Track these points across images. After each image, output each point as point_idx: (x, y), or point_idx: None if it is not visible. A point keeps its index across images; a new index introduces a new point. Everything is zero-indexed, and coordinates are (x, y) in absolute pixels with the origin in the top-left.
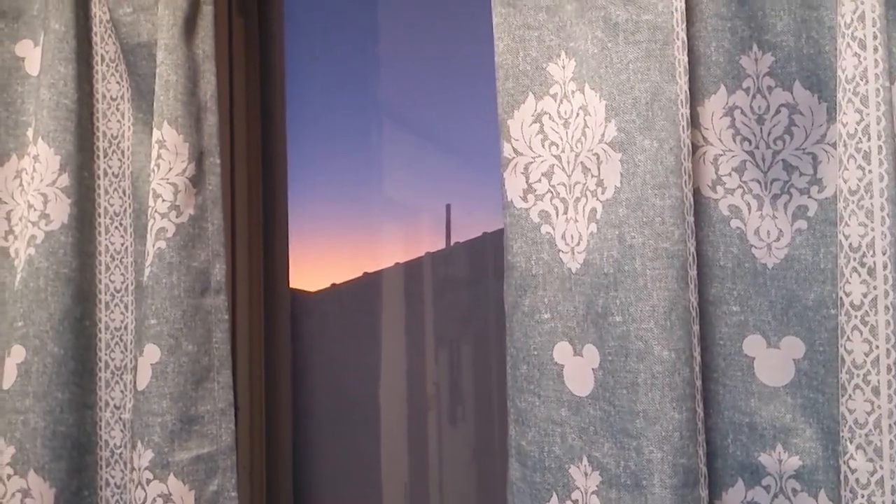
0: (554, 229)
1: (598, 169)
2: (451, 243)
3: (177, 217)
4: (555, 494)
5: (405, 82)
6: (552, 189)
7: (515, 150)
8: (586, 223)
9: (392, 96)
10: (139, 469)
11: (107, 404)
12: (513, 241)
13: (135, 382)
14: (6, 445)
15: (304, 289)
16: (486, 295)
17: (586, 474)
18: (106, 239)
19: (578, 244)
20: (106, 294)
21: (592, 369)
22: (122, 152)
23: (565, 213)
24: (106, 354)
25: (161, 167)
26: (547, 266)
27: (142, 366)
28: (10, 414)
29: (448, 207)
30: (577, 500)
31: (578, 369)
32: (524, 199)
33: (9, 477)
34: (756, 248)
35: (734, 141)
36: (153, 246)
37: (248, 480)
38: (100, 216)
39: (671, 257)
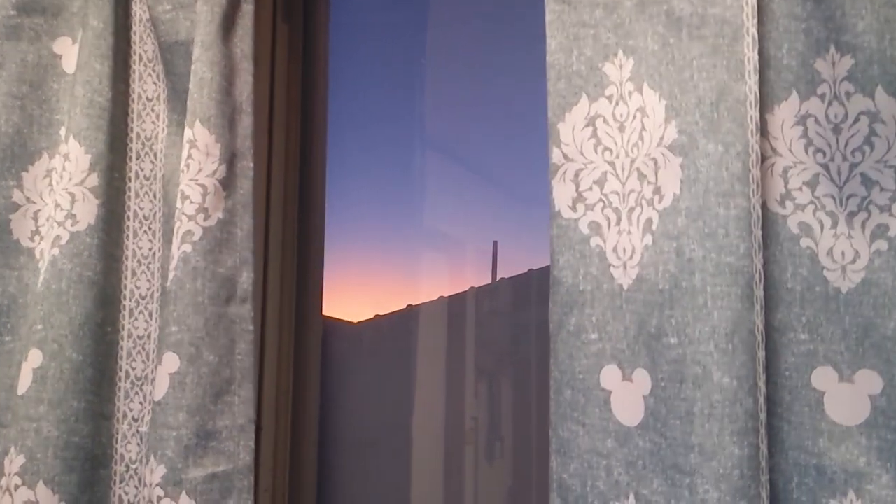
0: (605, 241)
1: (656, 175)
2: (497, 279)
3: (204, 220)
4: None
5: (454, 109)
6: (604, 198)
7: (565, 156)
8: (640, 235)
9: (439, 123)
10: (150, 485)
11: (125, 416)
12: (559, 254)
13: (152, 393)
14: (16, 454)
15: (347, 319)
16: (529, 330)
17: None
18: (133, 243)
19: (631, 258)
20: (130, 300)
21: (643, 396)
22: (155, 154)
23: (618, 223)
24: (127, 363)
25: (191, 167)
26: (596, 281)
27: (160, 375)
28: (23, 421)
29: (495, 244)
30: None
31: (627, 396)
32: (573, 208)
33: (16, 487)
34: (829, 270)
35: (806, 152)
36: (178, 249)
37: (269, 503)
38: (128, 219)
39: (735, 273)
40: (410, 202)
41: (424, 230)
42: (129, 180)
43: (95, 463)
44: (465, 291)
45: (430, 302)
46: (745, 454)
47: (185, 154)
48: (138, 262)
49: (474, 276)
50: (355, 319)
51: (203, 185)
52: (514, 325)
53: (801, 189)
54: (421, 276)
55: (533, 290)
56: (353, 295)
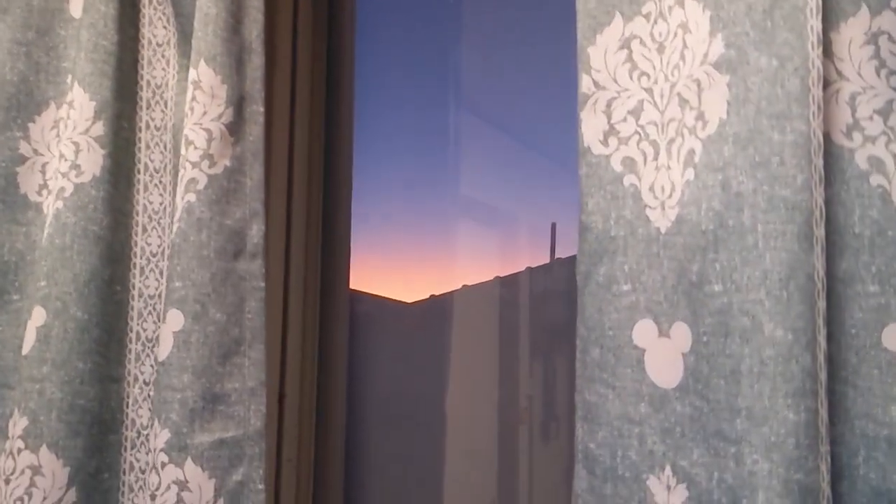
0: (640, 180)
1: (699, 98)
2: (554, 258)
3: (210, 168)
4: None
5: (506, 80)
6: (640, 130)
7: (596, 84)
8: (681, 169)
9: (490, 94)
10: (154, 450)
11: (136, 379)
12: (588, 196)
13: (156, 352)
14: (19, 416)
15: (401, 299)
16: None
17: (669, 487)
18: (144, 197)
19: (670, 196)
20: (141, 258)
21: (682, 354)
22: (166, 103)
23: (655, 158)
24: (138, 324)
25: (195, 111)
26: (629, 226)
27: (164, 334)
28: (26, 382)
29: (553, 226)
30: None
31: (664, 354)
32: (604, 142)
33: (19, 451)
34: None
35: (878, 76)
36: (182, 199)
37: (293, 473)
38: (139, 172)
39: (792, 209)
40: (445, 171)
41: (479, 208)
42: (139, 131)
43: (104, 428)
44: (521, 272)
45: (484, 282)
46: (801, 420)
47: (188, 96)
48: (149, 217)
49: (530, 257)
50: (410, 300)
51: (208, 130)
52: (570, 305)
53: (871, 118)
54: (474, 256)
55: None
56: (407, 275)
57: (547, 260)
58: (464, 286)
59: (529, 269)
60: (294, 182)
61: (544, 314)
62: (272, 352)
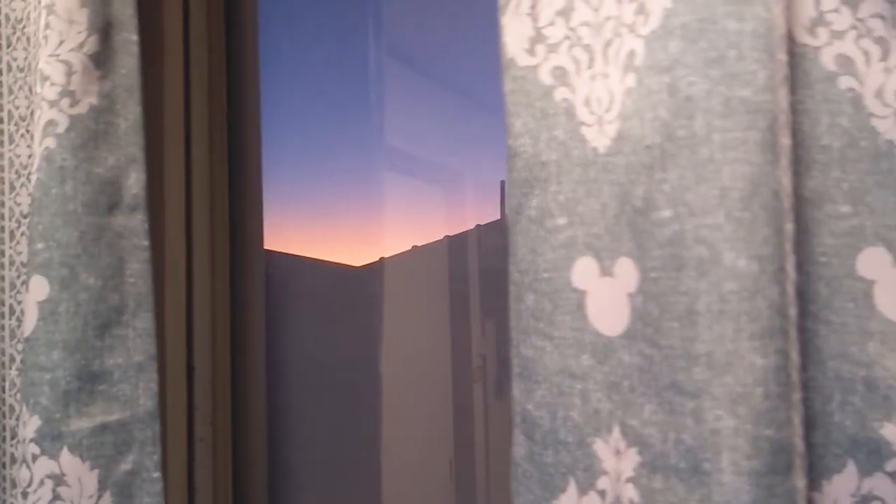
0: (574, 93)
1: None
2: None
3: (71, 107)
4: (572, 481)
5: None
6: (571, 33)
7: None
8: (621, 76)
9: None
10: (24, 441)
11: (12, 360)
12: (515, 116)
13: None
14: None
15: (349, 263)
16: None
17: (618, 452)
18: (10, 150)
19: (609, 110)
20: (10, 220)
21: (628, 294)
22: (28, 39)
23: (590, 66)
24: (11, 297)
25: (50, 40)
26: (563, 148)
27: (28, 305)
28: None
29: (503, 183)
30: (605, 491)
31: (607, 296)
32: (531, 51)
33: None
34: (878, 117)
35: None
36: (40, 145)
37: (209, 453)
38: (2, 121)
39: (754, 112)
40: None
41: (425, 166)
42: (1, 73)
43: None
44: (470, 230)
45: (434, 242)
46: (770, 365)
47: (42, 23)
48: (16, 172)
49: (478, 215)
50: (357, 263)
51: (66, 62)
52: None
53: (837, 10)
54: (425, 215)
55: None
56: (355, 238)
57: (497, 217)
58: (413, 247)
59: (479, 226)
60: (192, 123)
61: (495, 273)
62: (175, 320)
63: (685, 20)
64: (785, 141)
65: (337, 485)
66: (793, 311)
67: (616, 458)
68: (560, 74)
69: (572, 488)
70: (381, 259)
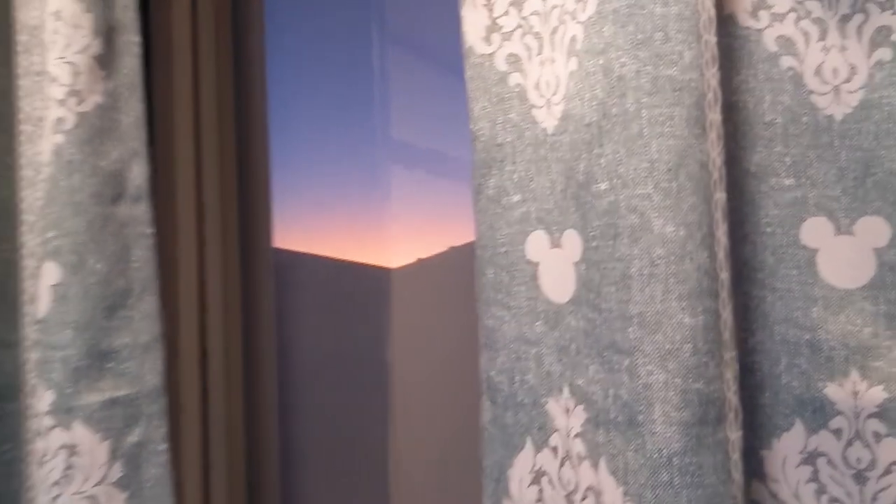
0: (526, 77)
1: None
2: None
3: (78, 105)
4: (529, 440)
5: None
6: (523, 22)
7: None
8: (565, 60)
9: None
10: (39, 414)
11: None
12: (475, 101)
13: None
14: None
15: (386, 265)
16: None
17: (568, 410)
18: (29, 149)
19: (556, 93)
20: (30, 214)
21: (573, 264)
22: (43, 44)
23: (539, 52)
24: (31, 284)
25: (57, 43)
26: (517, 130)
27: (41, 289)
28: None
29: None
30: (557, 447)
31: (557, 266)
32: (487, 40)
33: None
34: (817, 94)
35: None
36: (50, 141)
37: (223, 433)
38: (21, 122)
39: (679, 90)
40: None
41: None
42: (19, 77)
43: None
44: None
45: (468, 244)
46: (699, 323)
47: (49, 28)
48: (35, 170)
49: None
50: (394, 265)
51: (72, 63)
52: None
53: None
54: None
55: None
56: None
57: None
58: (451, 248)
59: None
60: (201, 115)
61: None
62: (188, 304)
63: (617, 6)
64: (715, 116)
65: (352, 472)
66: (724, 276)
67: (566, 416)
68: (514, 61)
69: (529, 446)
70: (419, 260)
